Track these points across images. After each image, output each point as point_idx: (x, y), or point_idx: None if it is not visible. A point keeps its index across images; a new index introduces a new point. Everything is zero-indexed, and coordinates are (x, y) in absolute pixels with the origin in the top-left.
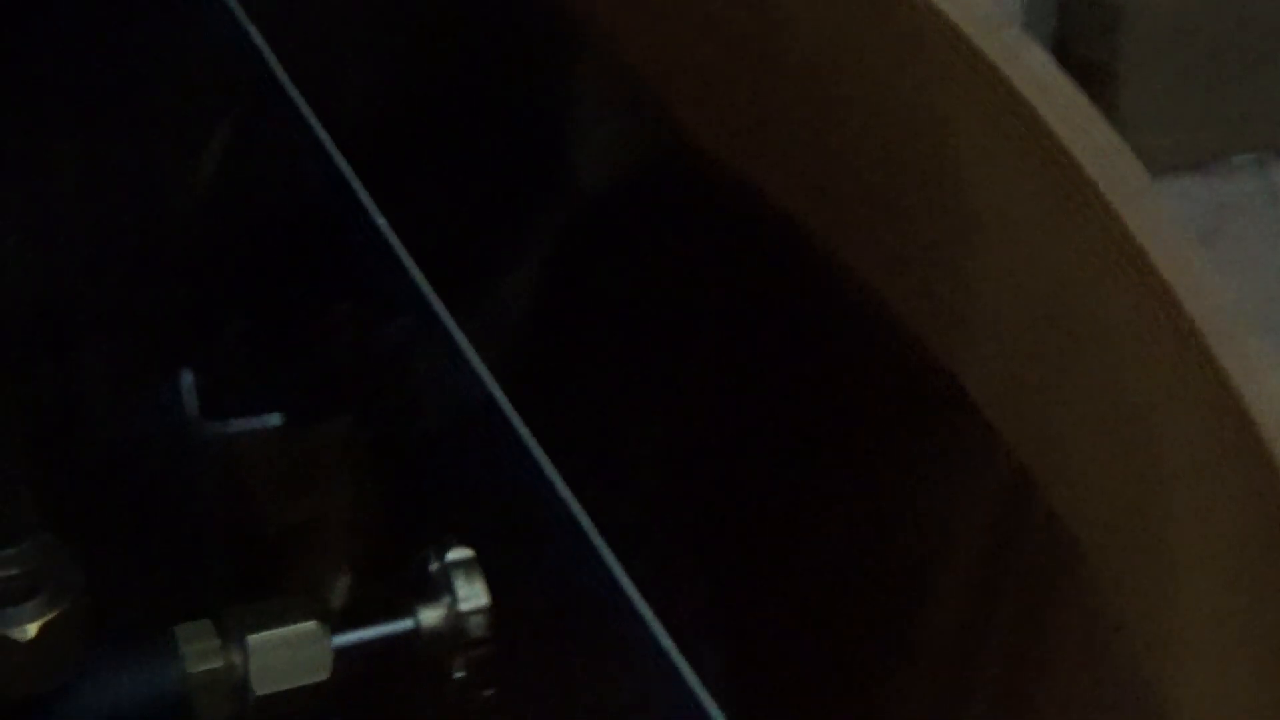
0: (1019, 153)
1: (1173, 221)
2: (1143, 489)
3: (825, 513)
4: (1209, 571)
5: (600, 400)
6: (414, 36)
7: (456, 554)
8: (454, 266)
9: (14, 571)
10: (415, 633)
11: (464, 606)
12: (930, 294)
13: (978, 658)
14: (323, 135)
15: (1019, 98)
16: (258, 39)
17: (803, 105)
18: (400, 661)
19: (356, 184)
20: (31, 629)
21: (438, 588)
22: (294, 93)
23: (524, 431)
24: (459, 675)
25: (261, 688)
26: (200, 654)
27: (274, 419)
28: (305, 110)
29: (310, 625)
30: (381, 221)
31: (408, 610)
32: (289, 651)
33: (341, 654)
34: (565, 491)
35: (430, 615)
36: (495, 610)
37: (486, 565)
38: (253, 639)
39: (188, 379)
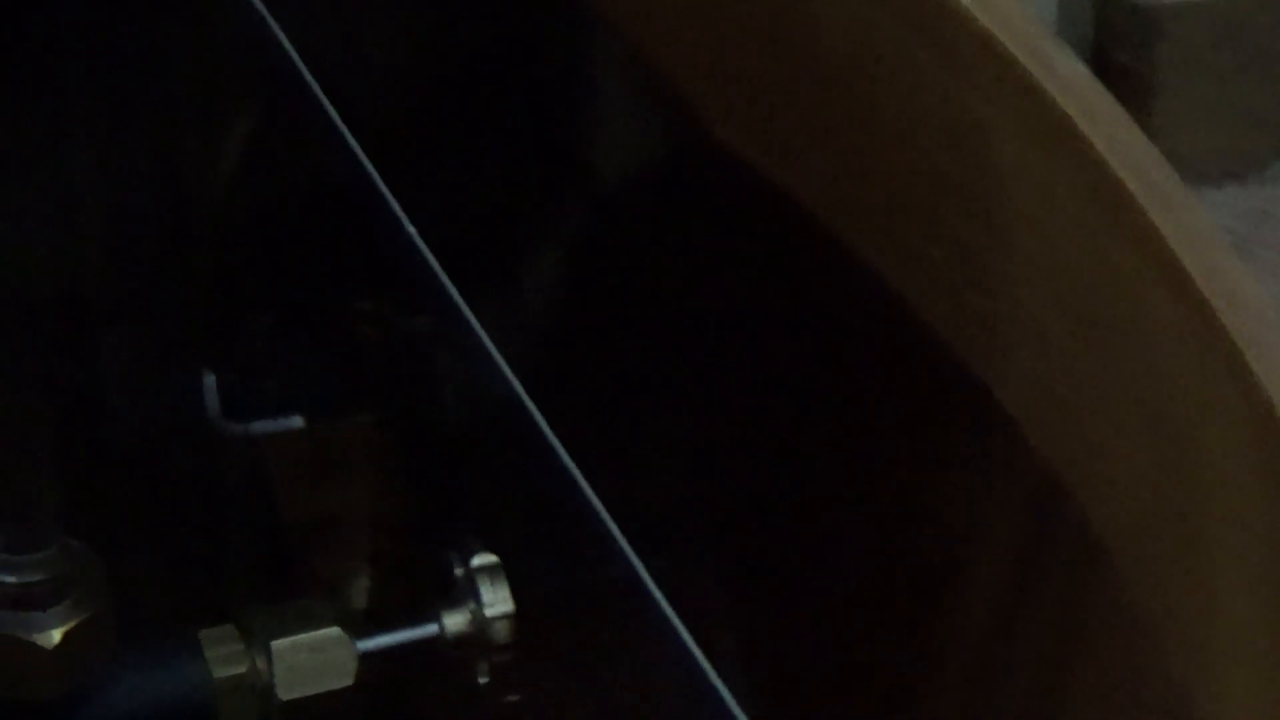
0: (1055, 161)
1: (1208, 230)
2: (1177, 495)
3: (851, 516)
4: (1245, 578)
5: (624, 399)
6: (438, 32)
7: (481, 559)
8: (478, 264)
9: (38, 577)
10: (439, 638)
11: (489, 612)
12: (962, 300)
13: (1008, 661)
14: (345, 132)
15: (1055, 106)
16: (280, 34)
17: (836, 111)
18: (424, 667)
19: (379, 181)
20: (56, 635)
21: (462, 593)
22: (317, 89)
23: (547, 429)
24: (483, 681)
25: (286, 693)
26: (225, 659)
27: (295, 420)
28: (328, 106)
29: (334, 630)
30: (405, 219)
31: (432, 615)
32: (313, 656)
33: (366, 659)
34: (588, 489)
35: (455, 620)
36: (520, 616)
37: (509, 563)
38: (277, 644)
39: (209, 380)
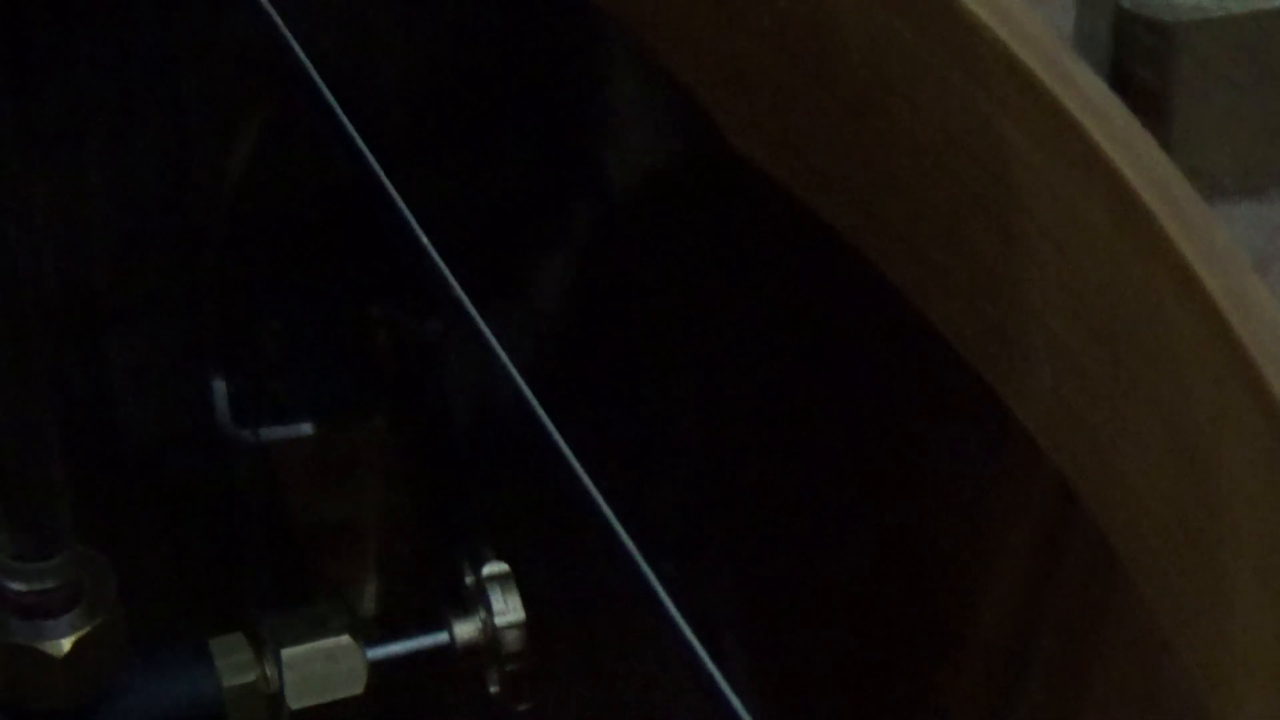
0: (1073, 177)
1: (1227, 246)
2: (1193, 510)
3: (864, 525)
4: (1261, 592)
5: (636, 406)
6: (451, 37)
7: (492, 568)
8: (489, 270)
9: (49, 585)
10: (450, 647)
11: (500, 621)
12: (979, 313)
13: (1022, 673)
14: (355, 135)
15: (1073, 122)
16: (290, 38)
17: (855, 123)
18: (435, 675)
19: (390, 186)
20: (66, 644)
21: (473, 601)
22: (327, 92)
23: (557, 436)
24: (494, 689)
25: (296, 701)
26: (235, 667)
27: (306, 426)
28: (337, 109)
29: (345, 639)
30: (415, 224)
31: (443, 624)
32: (323, 665)
33: (376, 667)
34: (598, 496)
35: (465, 629)
36: (531, 625)
37: (520, 569)
38: (287, 653)
39: (219, 385)
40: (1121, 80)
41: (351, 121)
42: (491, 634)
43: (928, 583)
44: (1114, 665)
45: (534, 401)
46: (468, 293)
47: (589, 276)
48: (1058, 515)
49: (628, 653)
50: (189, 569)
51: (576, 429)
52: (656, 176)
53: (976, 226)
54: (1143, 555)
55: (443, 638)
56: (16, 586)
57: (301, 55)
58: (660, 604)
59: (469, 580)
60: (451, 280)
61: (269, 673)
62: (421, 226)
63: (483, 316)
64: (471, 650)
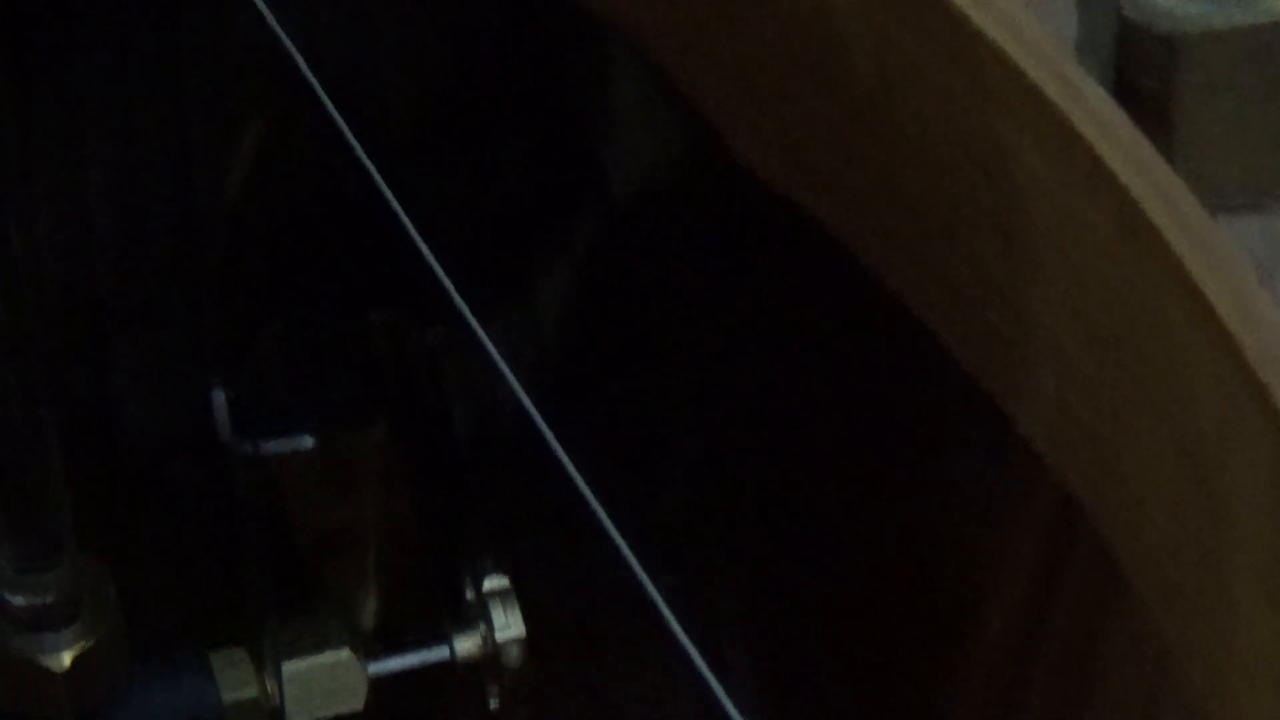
0: (1076, 187)
1: (1232, 256)
2: (1197, 522)
3: (866, 538)
4: (1266, 606)
5: (638, 417)
6: (453, 45)
7: (493, 582)
8: (490, 279)
9: (49, 598)
10: (451, 661)
11: (500, 636)
12: (983, 323)
13: (1025, 686)
14: (355, 144)
15: (1077, 132)
16: (290, 45)
17: (859, 133)
18: (435, 689)
19: (390, 194)
20: (67, 657)
21: (473, 616)
22: (327, 101)
23: (558, 447)
24: (495, 704)
25: (296, 715)
26: (235, 682)
27: (306, 437)
28: (338, 118)
29: (345, 653)
30: (415, 232)
31: (443, 638)
32: (324, 679)
33: (376, 682)
34: (599, 508)
35: (466, 644)
36: (531, 639)
37: (521, 582)
38: (288, 666)
39: (220, 396)
40: (1124, 90)
41: (353, 128)
42: (492, 648)
43: (930, 592)
44: (1117, 674)
45: (535, 413)
46: (469, 302)
47: (591, 285)
48: (1060, 524)
49: (629, 667)
50: (189, 580)
51: (578, 440)
52: (658, 184)
53: (979, 235)
54: (1146, 564)
55: (443, 652)
56: (16, 599)
57: (301, 62)
58: (662, 618)
59: (470, 594)
60: (451, 289)
61: (269, 687)
62: (424, 234)
63: (484, 326)
64: (472, 665)
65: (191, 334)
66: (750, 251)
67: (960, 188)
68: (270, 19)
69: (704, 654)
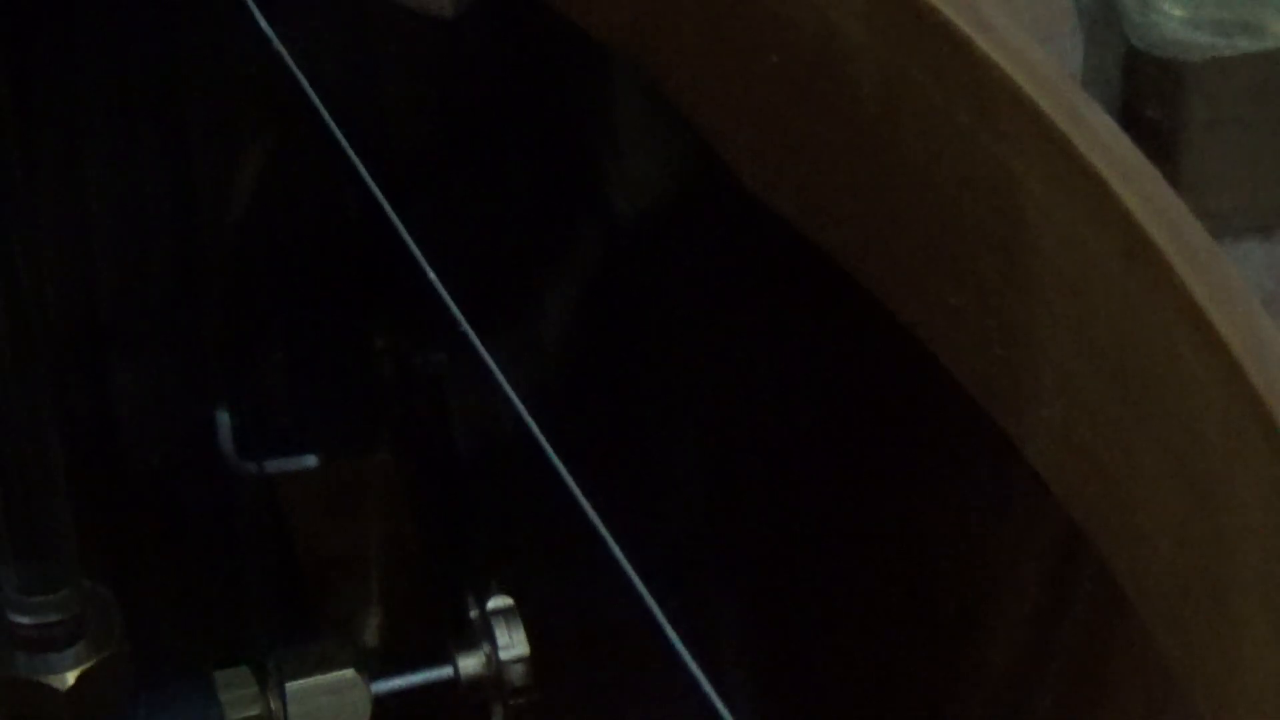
0: (1082, 215)
1: (1238, 285)
2: (1203, 548)
3: (871, 561)
4: (1272, 633)
5: (641, 439)
6: (456, 68)
7: (496, 602)
8: (493, 301)
9: (54, 618)
10: (454, 680)
11: (504, 655)
12: (988, 351)
13: (1029, 710)
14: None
15: (1083, 160)
16: (294, 66)
17: (864, 160)
18: (439, 709)
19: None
20: (70, 677)
21: (477, 635)
22: (331, 123)
23: (561, 468)
24: None
25: None
26: (239, 701)
27: (310, 458)
28: (342, 139)
29: (349, 672)
30: (420, 255)
31: (447, 657)
32: (328, 699)
33: (380, 701)
34: (603, 528)
35: (470, 663)
36: (535, 659)
37: (525, 602)
38: (291, 686)
39: (224, 417)
40: (1131, 119)
41: (356, 151)
42: (496, 668)
43: (936, 618)
44: (1121, 702)
45: (539, 433)
46: (473, 324)
47: (596, 310)
48: (1066, 553)
49: (632, 687)
50: (193, 601)
51: (582, 461)
52: (664, 211)
53: (986, 265)
54: (1151, 593)
55: (447, 671)
56: (21, 619)
57: (305, 83)
58: (665, 638)
59: (473, 614)
60: (454, 307)
61: (273, 706)
62: (428, 257)
63: (488, 348)
64: (476, 684)
65: (194, 357)
66: (755, 274)
67: (965, 216)
68: (275, 41)
69: (707, 672)
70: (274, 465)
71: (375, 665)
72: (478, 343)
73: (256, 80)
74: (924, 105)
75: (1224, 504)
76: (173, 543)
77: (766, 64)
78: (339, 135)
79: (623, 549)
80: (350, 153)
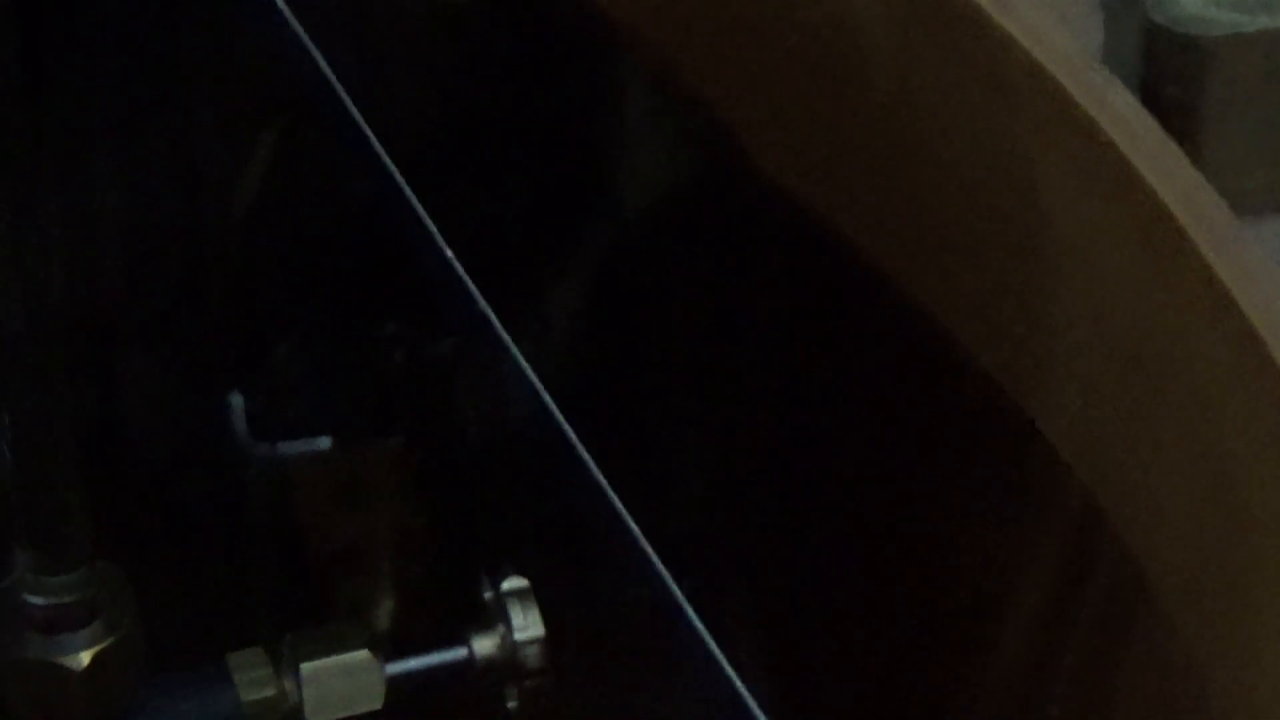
0: (1103, 195)
1: (1260, 264)
2: (1223, 534)
3: (888, 543)
4: None
5: (659, 420)
6: (475, 52)
7: (511, 583)
8: (511, 284)
9: (68, 599)
10: (469, 662)
11: (519, 636)
12: (1009, 334)
13: (1044, 696)
14: (380, 149)
15: (1104, 139)
16: (312, 49)
17: (880, 142)
18: (454, 691)
19: (415, 200)
20: (85, 658)
21: (492, 616)
22: (350, 105)
23: (580, 447)
24: (513, 705)
25: (315, 716)
26: (253, 682)
27: (324, 441)
28: (361, 122)
29: (363, 654)
30: (440, 238)
31: (461, 639)
32: (342, 680)
33: (394, 682)
34: (622, 509)
35: (484, 644)
36: (551, 640)
37: (540, 585)
38: (306, 667)
39: (237, 401)
40: (1151, 97)
41: (373, 135)
42: (511, 649)
43: (951, 600)
44: (1138, 685)
45: (558, 414)
46: (489, 304)
47: (611, 294)
48: (1084, 534)
49: (648, 668)
50: (205, 587)
51: (597, 445)
52: (680, 195)
53: (1004, 245)
54: (1169, 575)
55: (461, 653)
56: (34, 600)
57: (324, 66)
58: (683, 619)
59: (488, 595)
60: (473, 289)
61: (287, 687)
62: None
63: (503, 326)
64: (491, 665)
65: (204, 346)
66: (771, 260)
67: (984, 197)
68: (294, 23)
69: (726, 656)
70: (287, 448)
71: (389, 645)
72: (496, 321)
73: (265, 67)
74: (941, 86)
75: (1242, 483)
76: (182, 534)
77: (784, 45)
78: (357, 115)
79: (641, 527)
80: (371, 137)
